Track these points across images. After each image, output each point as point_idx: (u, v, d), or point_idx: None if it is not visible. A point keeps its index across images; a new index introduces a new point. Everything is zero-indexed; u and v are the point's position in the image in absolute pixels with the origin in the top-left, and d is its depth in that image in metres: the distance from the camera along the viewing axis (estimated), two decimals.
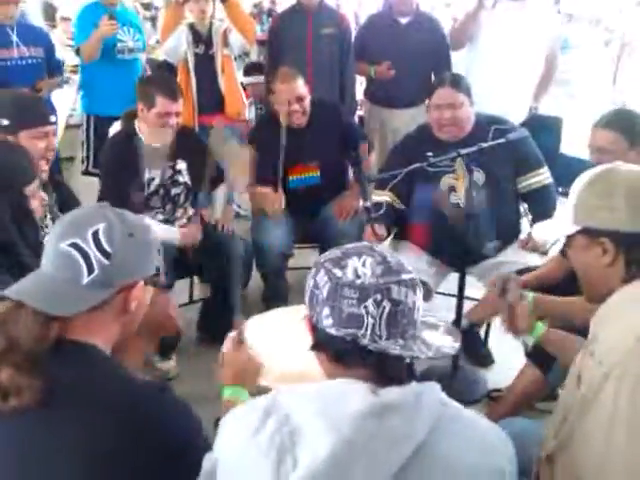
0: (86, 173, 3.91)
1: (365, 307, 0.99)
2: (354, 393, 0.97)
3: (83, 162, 3.91)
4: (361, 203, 2.60)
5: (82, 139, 3.92)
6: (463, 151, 2.36)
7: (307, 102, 3.07)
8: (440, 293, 2.98)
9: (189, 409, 1.18)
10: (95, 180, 3.84)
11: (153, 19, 12.35)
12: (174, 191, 2.94)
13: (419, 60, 3.78)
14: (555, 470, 1.31)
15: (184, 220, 3.00)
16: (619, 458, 1.16)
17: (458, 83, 2.69)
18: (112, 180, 2.83)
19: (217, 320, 2.99)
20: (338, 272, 1.02)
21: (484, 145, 2.37)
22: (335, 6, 5.35)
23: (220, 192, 3.19)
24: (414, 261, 2.71)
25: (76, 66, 4.47)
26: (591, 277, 1.35)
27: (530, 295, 1.94)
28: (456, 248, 2.54)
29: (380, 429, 0.93)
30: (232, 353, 1.49)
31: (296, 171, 3.16)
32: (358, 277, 1.01)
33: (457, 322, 2.54)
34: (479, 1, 3.51)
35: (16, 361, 1.08)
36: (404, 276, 1.02)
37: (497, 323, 2.76)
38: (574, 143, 4.19)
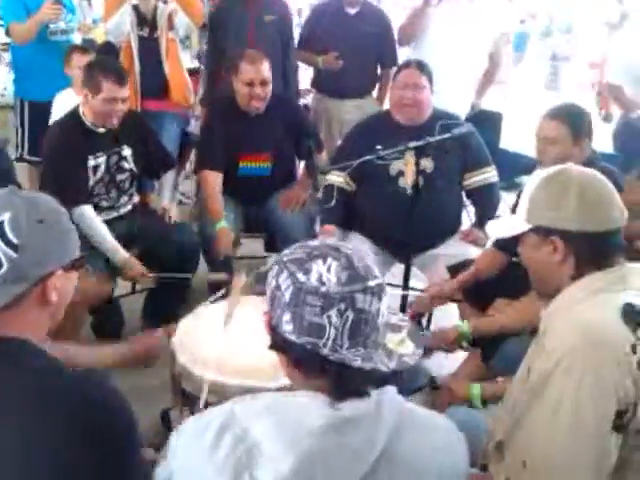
0: (20, 159, 3.77)
1: (328, 317, 0.96)
2: (313, 407, 0.96)
3: (17, 148, 3.77)
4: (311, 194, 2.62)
5: (16, 125, 3.78)
6: (411, 144, 2.40)
7: (269, 88, 3.05)
8: (388, 284, 3.02)
9: (121, 400, 1.12)
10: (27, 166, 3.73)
11: None
12: (119, 177, 2.87)
13: (366, 51, 3.82)
14: (505, 456, 1.36)
15: (129, 207, 2.94)
16: (562, 446, 1.21)
17: (423, 67, 2.77)
18: (56, 168, 2.73)
19: (162, 309, 2.95)
20: (301, 277, 0.98)
21: (430, 140, 2.42)
22: None
23: (168, 179, 3.13)
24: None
25: (6, 44, 4.30)
26: (542, 274, 1.40)
27: (465, 325, 2.04)
28: (402, 236, 2.58)
29: (341, 444, 0.92)
30: None
31: (247, 159, 3.14)
32: (322, 284, 0.97)
33: (402, 311, 2.60)
34: None
35: None
36: (370, 283, 0.98)
37: (439, 310, 2.87)
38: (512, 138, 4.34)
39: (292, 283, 0.98)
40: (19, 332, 1.11)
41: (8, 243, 1.08)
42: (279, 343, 1.02)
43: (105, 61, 3.05)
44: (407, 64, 2.83)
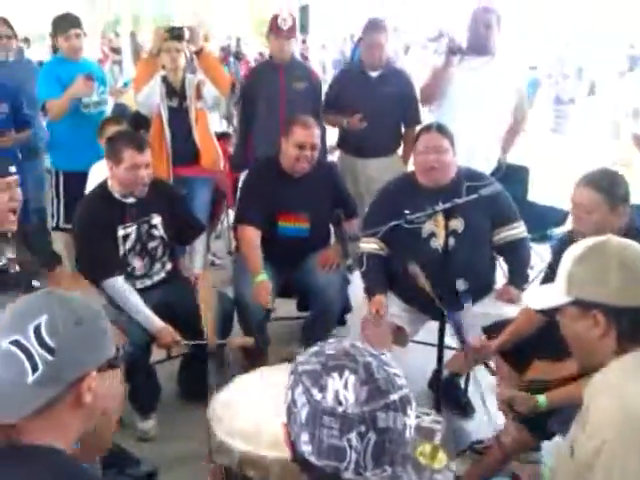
0: (56, 229, 3.88)
1: (348, 440, 0.90)
2: None
3: (53, 217, 3.88)
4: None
5: (52, 195, 3.90)
6: (438, 207, 2.41)
7: (316, 153, 3.15)
8: (420, 342, 3.01)
9: None
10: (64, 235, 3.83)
11: (120, 62, 12.45)
12: (151, 245, 2.92)
13: (389, 112, 3.89)
14: None
15: (163, 275, 2.99)
16: None
17: (444, 130, 2.79)
18: (86, 240, 2.81)
19: (197, 375, 2.96)
20: (317, 395, 0.92)
21: (458, 201, 2.43)
22: (300, 56, 5.42)
23: (199, 245, 3.17)
24: (389, 306, 2.77)
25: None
26: (582, 347, 1.38)
27: (541, 399, 1.99)
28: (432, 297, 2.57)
29: None
30: None
31: (286, 219, 3.19)
32: (340, 404, 0.90)
33: (439, 372, 2.57)
34: (446, 59, 3.62)
35: None
36: (392, 397, 0.91)
37: (476, 372, 2.82)
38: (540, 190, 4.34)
39: (307, 401, 0.93)
40: (52, 436, 1.10)
41: (44, 346, 1.08)
42: (299, 460, 0.97)
43: (123, 132, 3.17)
44: (427, 128, 2.85)
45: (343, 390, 0.91)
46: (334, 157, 4.40)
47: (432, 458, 0.96)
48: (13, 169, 2.25)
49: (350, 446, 0.89)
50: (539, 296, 1.55)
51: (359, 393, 0.90)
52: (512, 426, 2.21)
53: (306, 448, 0.93)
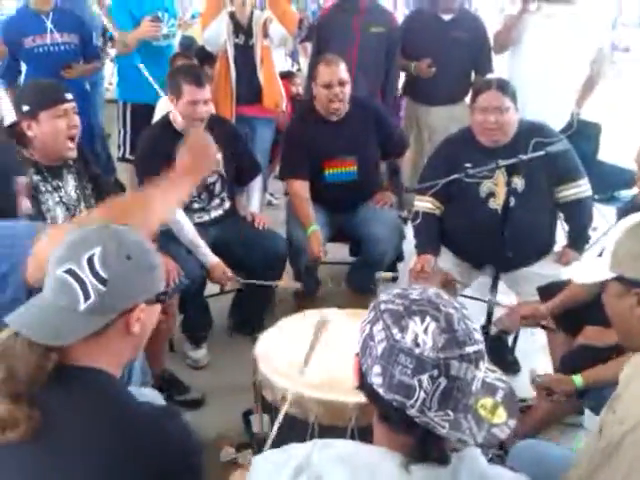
0: (122, 159, 3.96)
1: (419, 380, 0.92)
2: (386, 467, 0.95)
3: (119, 148, 3.96)
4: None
5: (119, 127, 3.96)
6: (502, 162, 2.34)
7: (347, 89, 3.08)
8: (470, 297, 2.99)
9: (193, 438, 1.17)
10: (129, 166, 3.92)
11: None
12: (209, 180, 2.96)
13: (460, 58, 3.77)
14: None
15: (220, 212, 3.03)
16: None
17: (505, 87, 2.66)
18: (147, 171, 2.86)
19: (248, 311, 3.05)
20: (397, 333, 0.95)
21: (523, 157, 2.35)
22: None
23: (256, 185, 3.20)
24: (441, 260, 2.76)
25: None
26: (624, 326, 1.34)
27: (577, 380, 1.95)
28: (491, 255, 2.53)
29: None
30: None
31: (333, 165, 3.16)
32: (417, 345, 0.93)
33: (487, 328, 2.55)
34: (523, 5, 3.46)
35: (13, 392, 1.07)
36: (468, 349, 0.94)
37: (525, 331, 2.79)
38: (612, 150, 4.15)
39: (386, 337, 0.96)
40: (101, 361, 1.17)
41: (97, 276, 1.12)
42: (367, 390, 1.00)
43: (184, 66, 3.18)
44: (488, 85, 2.69)
45: (423, 334, 0.94)
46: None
47: (492, 413, 0.98)
48: (69, 96, 2.27)
49: (420, 386, 0.93)
50: (585, 269, 1.49)
51: (437, 340, 0.93)
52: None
53: (376, 380, 0.96)
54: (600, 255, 1.39)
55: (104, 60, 4.24)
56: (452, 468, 0.96)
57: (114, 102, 4.18)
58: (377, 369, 0.96)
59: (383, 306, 0.99)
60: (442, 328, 0.94)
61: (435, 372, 0.92)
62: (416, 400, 0.93)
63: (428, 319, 0.95)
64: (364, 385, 1.01)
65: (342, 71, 3.04)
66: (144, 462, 1.08)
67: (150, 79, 3.46)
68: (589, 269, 1.44)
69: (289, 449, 1.05)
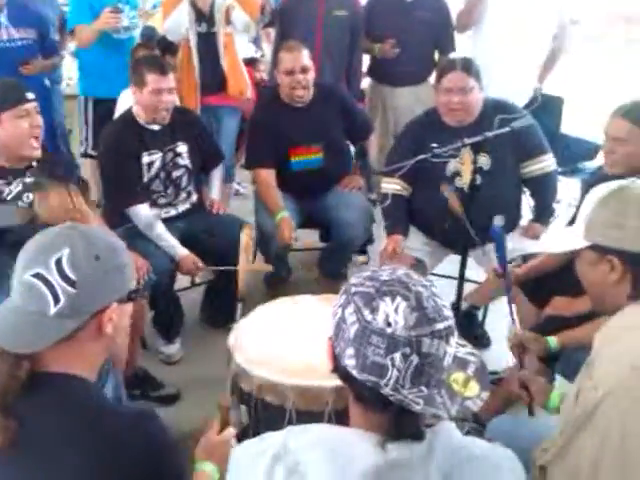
0: (85, 155, 3.91)
1: (392, 359, 0.94)
2: (363, 447, 0.96)
3: (82, 144, 3.90)
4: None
5: (81, 122, 3.90)
6: (468, 141, 2.35)
7: (310, 75, 3.05)
8: (440, 275, 3.02)
9: (172, 440, 1.17)
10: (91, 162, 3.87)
11: None
12: (175, 174, 2.93)
13: (423, 38, 3.76)
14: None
15: (187, 205, 3.00)
16: (608, 476, 1.19)
17: (469, 67, 2.67)
18: (110, 166, 2.82)
19: (220, 303, 3.03)
20: (368, 315, 0.96)
21: (489, 134, 2.36)
22: None
23: (217, 172, 3.17)
24: (409, 239, 2.79)
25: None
26: (598, 292, 1.37)
27: (552, 341, 1.95)
28: (459, 233, 2.55)
29: None
30: (211, 435, 1.39)
31: (298, 152, 3.15)
32: (389, 325, 0.94)
33: (457, 304, 2.58)
34: None
35: None
36: (438, 325, 0.95)
37: (494, 305, 2.83)
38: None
39: (358, 320, 0.97)
40: (75, 365, 1.14)
41: (66, 279, 1.10)
42: (341, 373, 1.02)
43: (146, 56, 3.14)
44: (452, 66, 2.69)
45: (393, 314, 0.95)
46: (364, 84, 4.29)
47: (464, 386, 1.00)
48: (31, 95, 2.22)
49: (393, 365, 0.94)
50: (558, 239, 1.52)
51: (408, 318, 0.94)
52: (530, 363, 2.22)
53: (349, 362, 0.97)
54: (571, 224, 1.41)
55: (63, 55, 4.12)
56: (427, 443, 0.98)
57: (74, 97, 4.11)
58: (350, 351, 0.97)
59: (354, 289, 1.00)
60: (412, 307, 0.96)
61: (407, 350, 0.94)
62: (389, 379, 0.95)
63: (398, 299, 0.96)
64: (338, 368, 1.02)
65: (304, 57, 3.02)
66: (127, 465, 1.07)
67: None
68: (562, 239, 1.47)
69: (266, 437, 1.06)
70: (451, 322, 0.98)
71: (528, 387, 1.71)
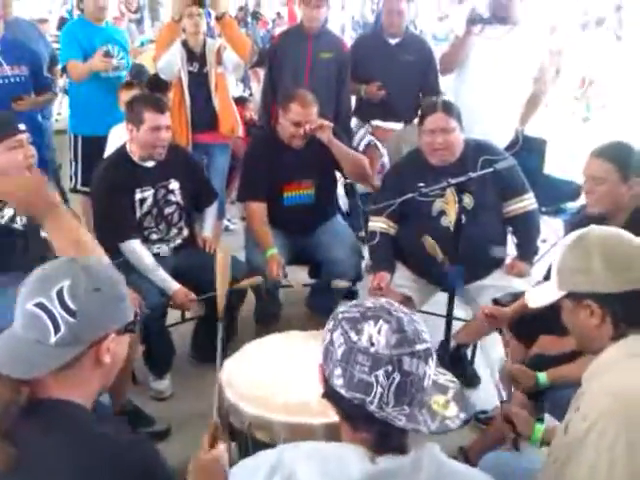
0: (74, 191, 3.94)
1: (376, 376, 1.02)
2: (353, 459, 1.03)
3: (71, 179, 3.94)
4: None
5: (70, 158, 3.95)
6: (453, 181, 2.42)
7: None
8: (428, 313, 3.05)
9: (167, 465, 1.20)
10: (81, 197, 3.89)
11: (138, 21, 12.33)
12: (167, 210, 2.97)
13: (408, 80, 3.88)
14: None
15: (179, 240, 3.04)
16: None
17: (450, 109, 2.77)
18: (104, 203, 2.86)
19: (210, 338, 3.02)
20: (354, 336, 1.05)
21: (473, 175, 2.44)
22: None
23: (211, 210, 3.22)
24: (398, 276, 2.83)
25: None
26: (583, 337, 1.41)
27: (542, 377, 2.00)
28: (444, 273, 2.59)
29: None
30: (202, 454, 1.44)
31: (291, 188, 3.20)
32: (372, 345, 1.03)
33: (446, 342, 2.62)
34: (467, 27, 3.58)
35: None
36: (418, 347, 1.04)
37: (483, 343, 2.86)
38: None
39: (344, 341, 1.06)
40: (72, 392, 1.18)
41: (66, 309, 1.15)
42: (330, 394, 1.10)
43: (143, 95, 3.20)
44: (433, 108, 2.78)
45: (377, 334, 1.04)
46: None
47: (444, 407, 1.08)
48: (22, 126, 2.26)
49: (377, 382, 1.02)
50: (537, 293, 1.56)
51: (390, 339, 1.04)
52: (517, 397, 2.25)
53: (338, 381, 1.06)
54: (547, 277, 1.46)
55: (57, 92, 4.18)
56: (414, 456, 1.05)
57: (63, 132, 4.16)
58: (338, 371, 1.06)
59: (341, 315, 1.10)
60: (394, 329, 1.05)
61: (389, 367, 1.02)
62: (374, 396, 1.03)
63: (381, 322, 1.06)
64: (327, 390, 1.10)
65: (314, 114, 3.07)
66: None
67: None
68: (541, 293, 1.52)
69: (260, 454, 1.13)
70: (429, 345, 1.06)
71: (512, 421, 1.74)
